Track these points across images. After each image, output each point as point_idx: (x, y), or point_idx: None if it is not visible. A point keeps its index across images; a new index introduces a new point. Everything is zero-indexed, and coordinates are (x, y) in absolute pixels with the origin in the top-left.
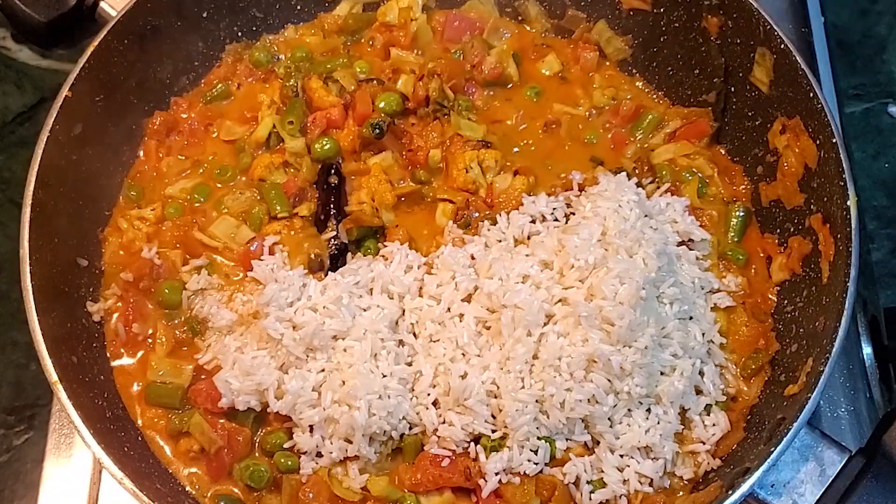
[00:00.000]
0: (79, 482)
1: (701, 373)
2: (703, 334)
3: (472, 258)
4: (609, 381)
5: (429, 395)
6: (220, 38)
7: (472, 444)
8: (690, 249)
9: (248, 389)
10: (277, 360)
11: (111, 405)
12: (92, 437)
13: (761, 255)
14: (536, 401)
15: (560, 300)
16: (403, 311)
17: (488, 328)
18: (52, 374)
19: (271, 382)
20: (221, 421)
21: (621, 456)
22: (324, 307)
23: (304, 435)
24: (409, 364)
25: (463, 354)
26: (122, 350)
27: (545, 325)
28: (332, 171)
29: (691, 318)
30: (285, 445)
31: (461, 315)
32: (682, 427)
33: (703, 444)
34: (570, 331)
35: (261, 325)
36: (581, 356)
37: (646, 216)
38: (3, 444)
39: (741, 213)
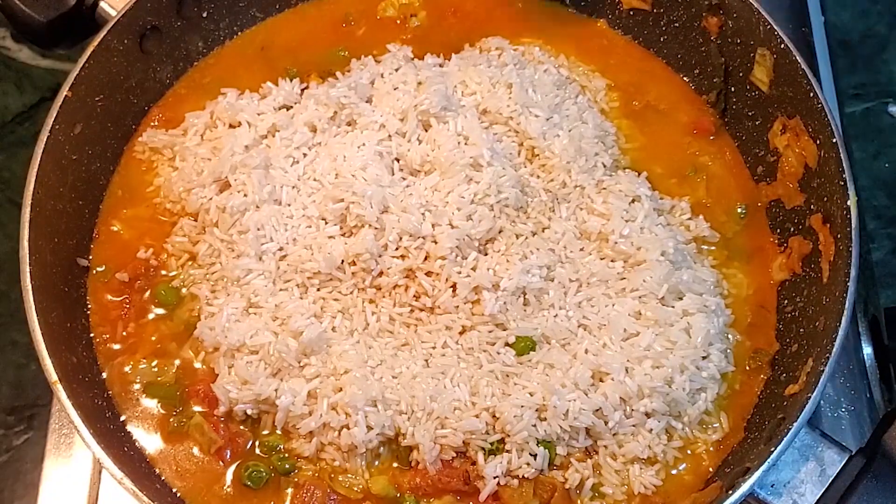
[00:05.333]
0: (79, 482)
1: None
2: (712, 343)
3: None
4: (622, 398)
5: (424, 409)
6: (219, 38)
7: (471, 448)
8: (696, 250)
9: (246, 399)
10: (272, 366)
11: (111, 405)
12: (92, 437)
13: (762, 254)
14: (536, 410)
15: (569, 315)
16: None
17: (492, 344)
18: (52, 374)
19: (269, 392)
20: (222, 422)
21: (623, 463)
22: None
23: (302, 440)
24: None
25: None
26: (121, 351)
27: (551, 339)
28: None
29: (704, 325)
30: (284, 448)
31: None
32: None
33: (703, 444)
34: (580, 344)
35: None
36: (587, 369)
37: (656, 213)
38: (2, 444)
39: (743, 212)
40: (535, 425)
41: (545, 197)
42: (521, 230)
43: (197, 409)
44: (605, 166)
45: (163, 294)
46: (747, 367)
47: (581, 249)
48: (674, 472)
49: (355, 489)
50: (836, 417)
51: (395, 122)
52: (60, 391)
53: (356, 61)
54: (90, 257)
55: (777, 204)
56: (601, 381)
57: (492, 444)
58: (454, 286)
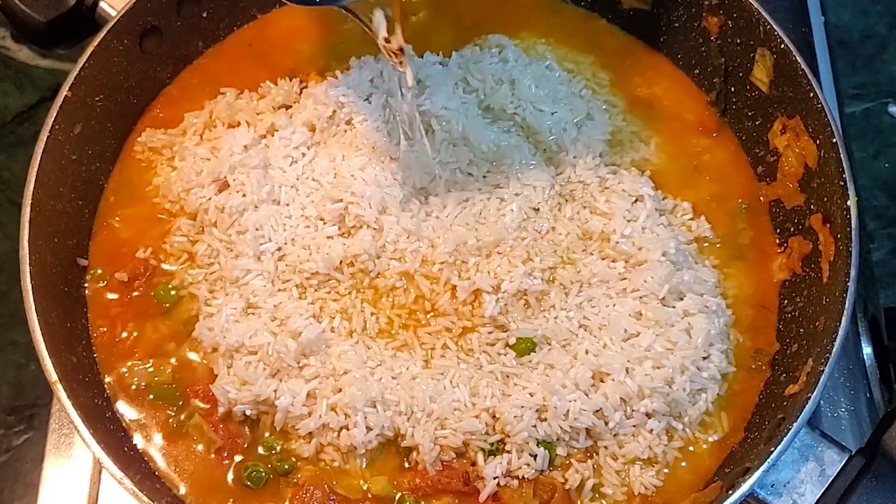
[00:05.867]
0: (79, 482)
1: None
2: (713, 343)
3: None
4: (622, 399)
5: (423, 410)
6: (219, 38)
7: (471, 448)
8: (697, 250)
9: (245, 400)
10: (271, 367)
11: (111, 405)
12: (92, 437)
13: (762, 254)
14: (536, 410)
15: (569, 316)
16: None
17: (492, 345)
18: (52, 374)
19: (268, 393)
20: (221, 422)
21: (623, 463)
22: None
23: (302, 441)
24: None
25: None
26: (120, 351)
27: (551, 340)
28: None
29: (704, 325)
30: (284, 448)
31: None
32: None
33: (704, 444)
34: (580, 345)
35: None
36: (588, 370)
37: (658, 213)
38: (2, 444)
39: (744, 212)
40: (535, 426)
41: (554, 191)
42: (527, 233)
43: (196, 409)
44: (609, 164)
45: (162, 294)
46: (748, 368)
47: (583, 250)
48: (674, 472)
49: (355, 489)
50: (836, 417)
51: (395, 122)
52: (60, 391)
53: (356, 59)
54: (90, 257)
55: (777, 204)
56: (601, 381)
57: (492, 444)
58: (453, 289)
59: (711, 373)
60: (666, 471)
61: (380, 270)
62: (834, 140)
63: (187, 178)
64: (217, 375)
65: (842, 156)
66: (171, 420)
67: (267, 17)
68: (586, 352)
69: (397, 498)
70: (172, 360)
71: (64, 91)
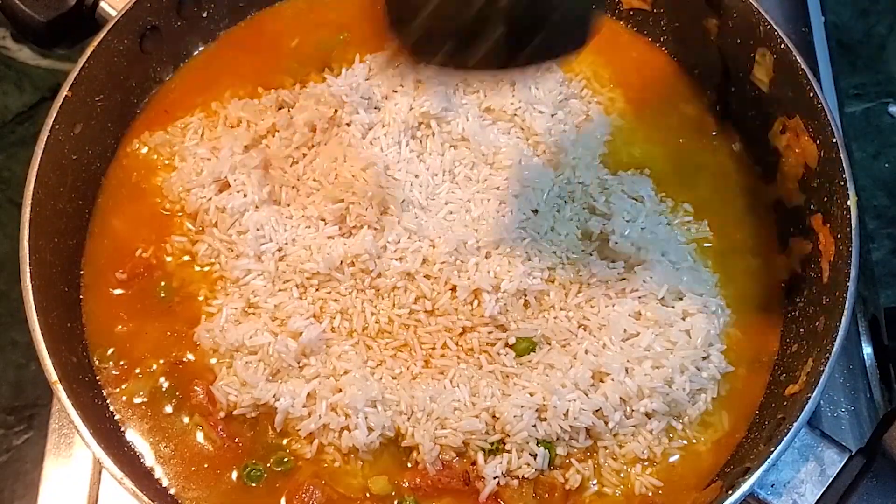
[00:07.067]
0: (79, 482)
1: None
2: (712, 344)
3: None
4: (622, 399)
5: (423, 410)
6: (219, 37)
7: (471, 448)
8: (696, 250)
9: (245, 402)
10: (271, 367)
11: (111, 405)
12: (92, 437)
13: (762, 254)
14: (536, 410)
15: (569, 316)
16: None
17: (492, 345)
18: (52, 374)
19: (268, 398)
20: (221, 422)
21: (623, 463)
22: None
23: (303, 441)
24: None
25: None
26: (119, 351)
27: (551, 340)
28: None
29: (704, 325)
30: (284, 448)
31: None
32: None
33: (704, 444)
34: (580, 345)
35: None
36: (587, 370)
37: (657, 213)
38: (2, 444)
39: (744, 212)
40: (535, 425)
41: (554, 192)
42: (526, 234)
43: (197, 408)
44: (608, 164)
45: (162, 294)
46: (748, 368)
47: (582, 250)
48: (674, 472)
49: (355, 489)
50: (836, 417)
51: (395, 123)
52: (60, 391)
53: (357, 59)
54: (90, 256)
55: (777, 204)
56: (601, 381)
57: (492, 444)
58: (454, 288)
59: (711, 373)
60: (666, 471)
61: (380, 270)
62: (834, 140)
63: (187, 178)
64: (217, 375)
65: (842, 156)
66: (171, 420)
67: (267, 17)
68: (586, 352)
69: (397, 498)
70: (172, 360)
71: (64, 91)
